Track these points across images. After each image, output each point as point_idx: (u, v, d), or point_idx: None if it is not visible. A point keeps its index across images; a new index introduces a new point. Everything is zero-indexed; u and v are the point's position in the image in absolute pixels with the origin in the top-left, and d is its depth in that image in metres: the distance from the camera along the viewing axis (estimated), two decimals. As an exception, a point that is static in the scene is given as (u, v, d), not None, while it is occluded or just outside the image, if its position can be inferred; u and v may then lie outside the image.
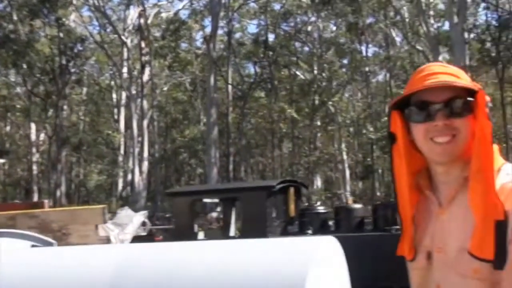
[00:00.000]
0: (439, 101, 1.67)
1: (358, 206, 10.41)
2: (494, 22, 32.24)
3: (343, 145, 39.83)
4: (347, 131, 40.89)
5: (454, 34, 28.70)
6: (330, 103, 37.03)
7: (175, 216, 11.19)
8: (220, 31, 35.64)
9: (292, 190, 9.93)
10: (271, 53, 36.68)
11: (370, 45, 41.33)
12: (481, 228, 1.57)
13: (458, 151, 1.68)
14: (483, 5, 33.54)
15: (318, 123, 39.67)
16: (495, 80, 35.57)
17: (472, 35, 34.01)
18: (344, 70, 40.08)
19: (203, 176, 39.52)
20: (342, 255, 4.04)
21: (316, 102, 36.99)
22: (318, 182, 43.28)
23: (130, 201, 30.77)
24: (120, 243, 10.67)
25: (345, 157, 39.47)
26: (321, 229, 9.42)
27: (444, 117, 1.66)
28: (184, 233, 9.45)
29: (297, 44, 40.29)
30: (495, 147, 1.66)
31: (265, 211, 9.46)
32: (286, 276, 3.37)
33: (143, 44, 34.02)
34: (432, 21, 35.89)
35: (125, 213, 12.29)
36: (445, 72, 1.71)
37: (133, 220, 11.93)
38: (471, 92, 1.68)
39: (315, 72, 37.89)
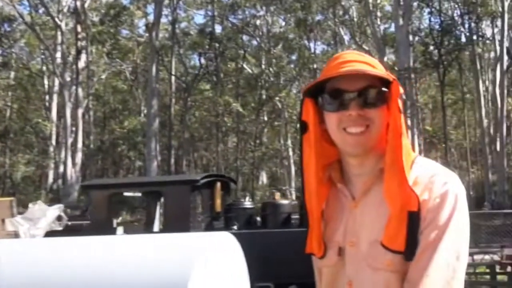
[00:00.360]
0: (353, 90, 1.62)
1: (285, 201, 10.23)
2: (437, 27, 32.89)
3: (289, 141, 39.88)
4: (293, 127, 40.96)
5: (399, 36, 29.14)
6: (277, 98, 37.05)
7: (92, 210, 10.68)
8: (164, 20, 35.32)
9: (218, 185, 9.69)
10: (217, 45, 36.34)
11: (318, 42, 41.65)
12: (394, 220, 1.55)
13: (371, 142, 1.64)
14: (427, 9, 34.07)
15: (265, 118, 39.67)
16: (438, 83, 36.27)
17: (416, 38, 34.63)
18: (292, 66, 40.25)
19: (143, 169, 38.73)
20: (239, 252, 3.91)
21: (263, 97, 37.11)
22: (264, 178, 43.46)
23: (61, 195, 29.80)
24: (31, 238, 10.07)
25: (291, 153, 39.58)
26: (247, 224, 9.34)
27: (358, 106, 1.62)
28: (101, 229, 8.89)
29: (245, 37, 40.12)
30: (407, 140, 1.62)
31: (189, 206, 9.14)
32: (169, 273, 3.29)
33: (79, 29, 32.58)
34: (379, 22, 36.35)
35: (38, 207, 11.63)
36: (360, 60, 1.67)
37: (47, 214, 11.27)
38: (386, 83, 1.64)
39: (263, 66, 37.94)
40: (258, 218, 9.74)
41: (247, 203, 10.34)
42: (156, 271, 3.34)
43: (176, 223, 8.90)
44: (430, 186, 1.59)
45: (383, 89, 1.64)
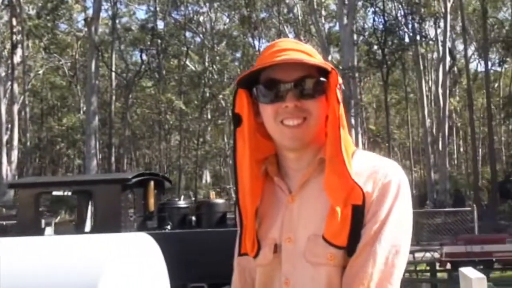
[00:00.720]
0: (290, 80, 1.56)
1: (220, 201, 10.61)
2: (381, 26, 33.20)
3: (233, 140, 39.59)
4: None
5: (343, 35, 29.30)
6: (221, 96, 36.81)
7: (19, 210, 10.43)
8: (104, 14, 34.58)
9: (152, 183, 9.69)
10: (159, 41, 35.92)
11: (263, 40, 41.50)
12: (337, 213, 1.50)
13: (310, 135, 1.58)
14: (372, 9, 34.39)
15: (208, 116, 39.54)
16: (381, 82, 36.72)
17: (361, 38, 34.95)
18: (236, 63, 40.29)
19: (82, 167, 37.94)
20: (156, 252, 3.85)
21: (207, 94, 36.94)
22: (207, 176, 43.35)
23: (-4, 194, 28.72)
24: None
25: None
26: (181, 224, 9.45)
27: (294, 97, 1.55)
28: (29, 229, 8.84)
29: (188, 34, 39.78)
30: (347, 132, 1.58)
31: (120, 205, 9.17)
32: (79, 276, 3.20)
33: (14, 22, 31.70)
34: (323, 20, 36.49)
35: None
36: (296, 49, 1.60)
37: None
38: (324, 72, 1.57)
39: (206, 64, 37.66)
40: (193, 218, 9.72)
41: (181, 202, 10.45)
42: (66, 273, 3.22)
43: (107, 223, 8.80)
44: (373, 177, 1.55)
45: (321, 79, 1.58)
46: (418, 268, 16.06)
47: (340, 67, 27.90)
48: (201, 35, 39.56)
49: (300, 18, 37.15)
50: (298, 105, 1.55)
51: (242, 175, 1.66)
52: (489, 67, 36.35)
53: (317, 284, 1.53)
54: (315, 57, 1.61)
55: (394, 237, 1.51)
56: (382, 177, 1.55)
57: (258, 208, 1.66)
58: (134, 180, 9.32)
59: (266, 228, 1.65)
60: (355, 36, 31.67)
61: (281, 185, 1.65)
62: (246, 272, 1.73)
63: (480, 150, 41.38)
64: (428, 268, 16.64)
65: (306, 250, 1.55)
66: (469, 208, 20.19)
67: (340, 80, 1.58)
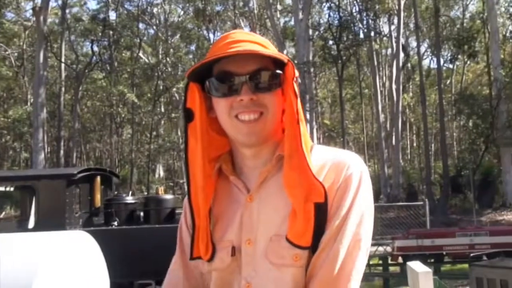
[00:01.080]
0: (244, 73, 1.49)
1: (169, 196, 10.08)
2: (336, 22, 33.32)
3: None
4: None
5: (298, 30, 29.21)
6: (175, 89, 36.62)
7: None
8: (53, 3, 33.90)
9: (98, 179, 9.43)
10: (111, 32, 35.42)
11: (218, 33, 41.24)
12: (299, 213, 1.44)
13: (266, 130, 1.51)
14: (327, 4, 34.49)
15: (162, 109, 39.05)
16: (337, 78, 36.93)
17: (316, 33, 34.99)
18: (190, 56, 39.91)
19: (29, 161, 37.05)
20: (95, 250, 3.80)
21: (160, 87, 36.58)
22: (160, 171, 43.03)
23: None
24: None
25: None
26: (129, 220, 9.16)
27: (249, 91, 1.48)
28: None
29: (141, 25, 39.31)
30: (305, 127, 1.51)
31: (64, 201, 8.74)
32: (15, 274, 3.20)
33: (-42, 10, 30.55)
34: (279, 15, 36.42)
35: None
36: (250, 40, 1.52)
37: None
38: (280, 65, 1.51)
39: (160, 56, 37.21)
40: (141, 214, 9.43)
41: (129, 198, 10.07)
42: (1, 271, 3.21)
43: (51, 219, 8.52)
44: (335, 171, 1.50)
45: (277, 71, 1.50)
46: (371, 262, 16.12)
47: (296, 62, 27.82)
48: (154, 27, 39.04)
49: (255, 12, 36.97)
50: (254, 99, 1.48)
51: (194, 173, 1.57)
52: (441, 64, 37.00)
53: (282, 287, 1.46)
54: (270, 48, 1.53)
55: (357, 231, 1.46)
56: (344, 170, 1.49)
57: (211, 208, 1.58)
58: (79, 175, 8.93)
59: (222, 230, 1.57)
60: (310, 31, 31.73)
61: (237, 184, 1.57)
62: (196, 276, 1.63)
63: (432, 145, 42.17)
64: (380, 262, 16.74)
65: (268, 251, 1.48)
66: (421, 203, 20.33)
67: (297, 73, 1.50)
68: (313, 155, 1.53)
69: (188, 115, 1.56)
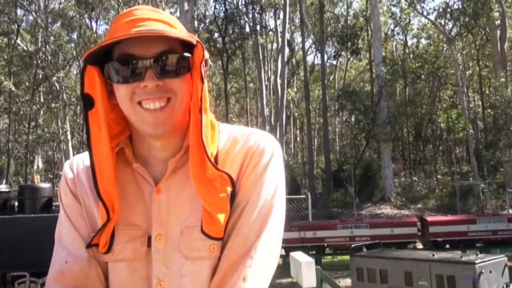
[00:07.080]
0: (149, 56, 1.36)
1: (45, 185, 9.49)
2: (222, 15, 33.22)
3: (67, 124, 38.21)
4: (72, 109, 39.05)
5: (184, 21, 28.73)
6: (55, 78, 35.16)
7: None
8: None
9: None
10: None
11: (101, 22, 40.01)
12: (210, 205, 1.38)
13: (175, 119, 1.41)
14: (213, -4, 34.35)
15: (41, 99, 37.45)
16: (222, 71, 36.95)
17: (202, 25, 34.76)
18: (72, 45, 38.37)
19: None
20: None
21: (39, 76, 35.00)
22: (39, 162, 41.40)
23: None
24: None
25: (69, 136, 38.01)
26: (2, 209, 8.79)
27: (155, 76, 1.36)
28: None
29: (20, 11, 37.38)
30: (211, 114, 1.43)
31: None
32: None
33: None
34: (164, 5, 35.80)
35: None
36: (156, 18, 1.39)
37: None
38: (189, 47, 1.40)
39: (39, 44, 35.60)
40: (15, 203, 9.01)
41: (2, 187, 9.56)
42: None
43: None
44: (245, 148, 1.46)
45: (186, 54, 1.39)
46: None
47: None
48: (33, 13, 37.21)
49: (140, 1, 36.08)
50: (160, 85, 1.36)
51: (100, 163, 1.43)
52: (325, 60, 37.95)
53: (199, 281, 1.40)
54: (178, 28, 1.42)
55: (271, 201, 1.43)
56: (256, 145, 1.46)
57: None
58: None
59: (125, 222, 1.46)
60: (196, 23, 31.40)
61: (143, 174, 1.48)
62: (92, 265, 1.47)
63: (315, 140, 43.23)
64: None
65: (181, 245, 1.41)
66: (303, 196, 20.76)
67: (207, 55, 1.40)
68: (222, 137, 1.48)
69: (88, 102, 1.41)
